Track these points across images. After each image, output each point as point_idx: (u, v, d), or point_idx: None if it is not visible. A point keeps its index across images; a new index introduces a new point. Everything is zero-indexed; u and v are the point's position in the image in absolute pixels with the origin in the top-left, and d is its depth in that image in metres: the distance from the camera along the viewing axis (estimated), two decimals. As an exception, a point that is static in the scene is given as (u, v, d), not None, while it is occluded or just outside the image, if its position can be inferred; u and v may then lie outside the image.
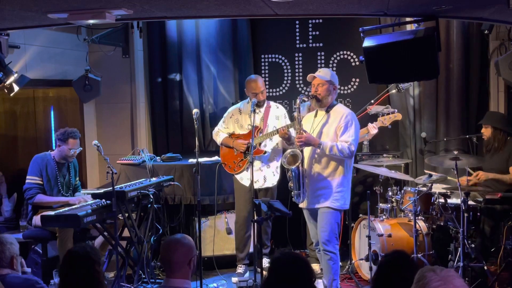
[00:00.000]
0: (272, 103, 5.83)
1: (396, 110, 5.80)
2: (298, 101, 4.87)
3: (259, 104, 5.63)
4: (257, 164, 5.55)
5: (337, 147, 4.69)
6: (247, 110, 5.68)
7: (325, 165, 4.84)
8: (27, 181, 5.42)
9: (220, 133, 5.86)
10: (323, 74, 4.89)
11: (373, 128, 5.64)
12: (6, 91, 5.43)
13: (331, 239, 4.83)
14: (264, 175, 5.70)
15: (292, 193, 4.90)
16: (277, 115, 5.74)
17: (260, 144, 5.59)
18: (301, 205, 5.01)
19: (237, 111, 5.82)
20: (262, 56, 7.03)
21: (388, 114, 5.71)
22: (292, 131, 5.36)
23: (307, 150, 4.89)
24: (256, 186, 5.51)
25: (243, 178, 5.73)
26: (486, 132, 5.60)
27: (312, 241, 5.94)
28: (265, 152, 5.63)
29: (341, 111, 4.89)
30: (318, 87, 4.87)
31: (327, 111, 4.92)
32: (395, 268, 2.82)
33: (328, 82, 4.86)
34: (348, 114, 4.85)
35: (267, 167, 5.71)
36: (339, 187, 4.84)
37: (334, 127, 4.83)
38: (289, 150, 4.93)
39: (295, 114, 4.91)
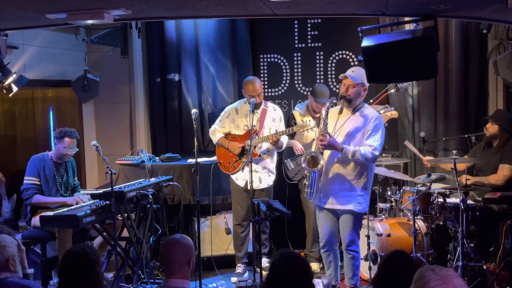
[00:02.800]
0: (269, 104, 5.83)
1: (392, 108, 5.80)
2: (328, 104, 4.75)
3: (255, 106, 5.63)
4: (252, 166, 5.53)
5: (359, 152, 4.60)
6: (244, 110, 5.68)
7: (349, 167, 4.76)
8: (24, 181, 5.43)
9: (216, 133, 5.87)
10: (356, 75, 4.73)
11: None
12: (5, 91, 5.44)
13: (355, 238, 4.86)
14: (260, 177, 5.70)
15: (306, 190, 4.85)
16: (273, 118, 5.74)
17: (255, 147, 5.58)
18: (323, 205, 4.91)
19: (233, 110, 5.82)
20: (261, 56, 7.03)
21: (385, 112, 5.70)
22: (285, 136, 5.34)
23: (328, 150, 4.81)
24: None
25: (238, 178, 5.74)
26: (492, 129, 5.57)
27: (311, 243, 5.97)
28: (260, 155, 5.63)
29: (369, 113, 4.77)
30: (349, 88, 4.73)
31: (354, 112, 4.80)
32: (396, 269, 2.82)
33: (359, 84, 4.73)
34: (377, 118, 4.75)
35: (263, 168, 5.71)
36: (362, 190, 4.78)
37: (361, 130, 4.72)
38: (309, 151, 4.84)
39: (323, 115, 4.76)
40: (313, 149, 4.85)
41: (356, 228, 4.86)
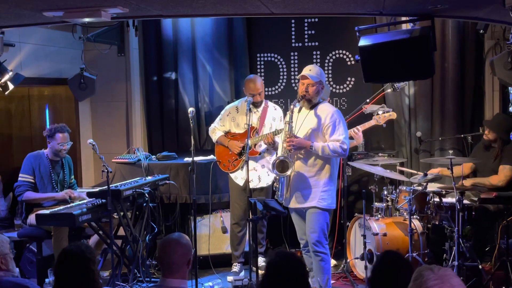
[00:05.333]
0: (270, 103, 5.83)
1: (391, 110, 5.80)
2: (291, 106, 4.79)
3: (256, 104, 5.63)
4: (251, 164, 5.53)
5: (328, 147, 4.64)
6: (244, 109, 5.67)
7: (311, 164, 4.77)
8: (18, 179, 5.44)
9: (216, 131, 5.86)
10: (314, 73, 4.78)
11: (355, 134, 5.60)
12: (1, 89, 5.42)
13: (321, 239, 4.74)
14: (259, 175, 5.69)
15: (277, 193, 4.88)
16: (274, 117, 5.73)
17: (255, 145, 5.58)
18: (289, 206, 4.92)
19: (234, 109, 5.81)
20: (258, 55, 7.03)
21: (383, 113, 5.70)
22: (277, 137, 5.37)
23: None
24: (250, 185, 5.51)
25: (238, 177, 5.73)
26: (490, 135, 5.59)
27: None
28: (260, 153, 5.63)
29: (326, 109, 4.80)
30: (309, 88, 4.75)
31: (311, 109, 4.84)
32: (388, 269, 2.83)
33: (318, 82, 4.78)
34: (334, 113, 4.77)
35: (262, 167, 5.71)
36: (325, 186, 4.76)
37: (320, 127, 4.76)
38: (278, 155, 4.85)
39: (287, 118, 4.82)
40: (279, 153, 4.88)
41: (323, 227, 4.75)
